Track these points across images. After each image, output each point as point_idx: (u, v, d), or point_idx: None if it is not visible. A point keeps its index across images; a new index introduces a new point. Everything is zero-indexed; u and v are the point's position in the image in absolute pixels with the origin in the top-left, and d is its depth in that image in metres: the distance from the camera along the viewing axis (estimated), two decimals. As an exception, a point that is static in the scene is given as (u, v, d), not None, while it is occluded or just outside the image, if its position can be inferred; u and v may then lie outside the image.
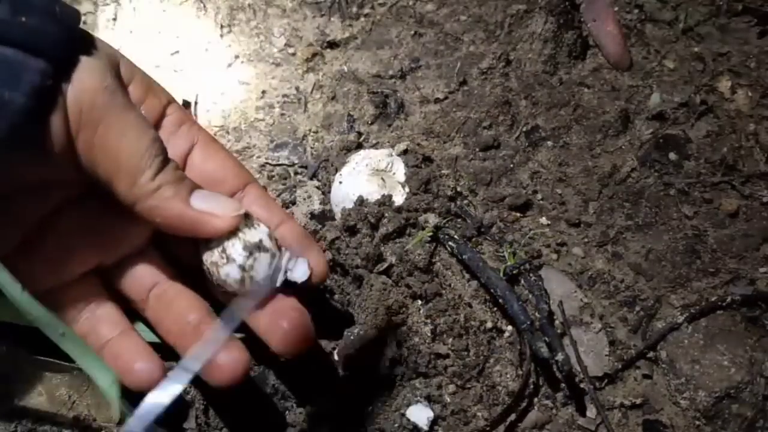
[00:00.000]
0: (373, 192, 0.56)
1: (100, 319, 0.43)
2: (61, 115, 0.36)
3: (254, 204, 0.45)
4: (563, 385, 0.53)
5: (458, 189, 0.60)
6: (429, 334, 0.54)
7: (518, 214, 0.61)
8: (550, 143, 0.65)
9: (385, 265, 0.54)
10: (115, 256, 0.44)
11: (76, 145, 0.37)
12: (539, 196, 0.62)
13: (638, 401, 0.53)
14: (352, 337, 0.52)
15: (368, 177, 0.57)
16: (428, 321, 0.54)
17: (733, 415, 0.52)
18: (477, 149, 0.65)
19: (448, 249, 0.56)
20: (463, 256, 0.55)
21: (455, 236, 0.56)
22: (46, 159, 0.36)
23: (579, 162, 0.64)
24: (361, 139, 0.65)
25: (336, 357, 0.52)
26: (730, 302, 0.56)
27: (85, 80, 0.37)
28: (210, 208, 0.39)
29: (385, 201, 0.56)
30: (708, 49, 0.70)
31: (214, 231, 0.40)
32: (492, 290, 0.53)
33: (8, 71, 0.33)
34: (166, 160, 0.39)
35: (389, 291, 0.54)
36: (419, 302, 0.55)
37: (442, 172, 0.61)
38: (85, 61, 0.37)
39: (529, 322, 0.51)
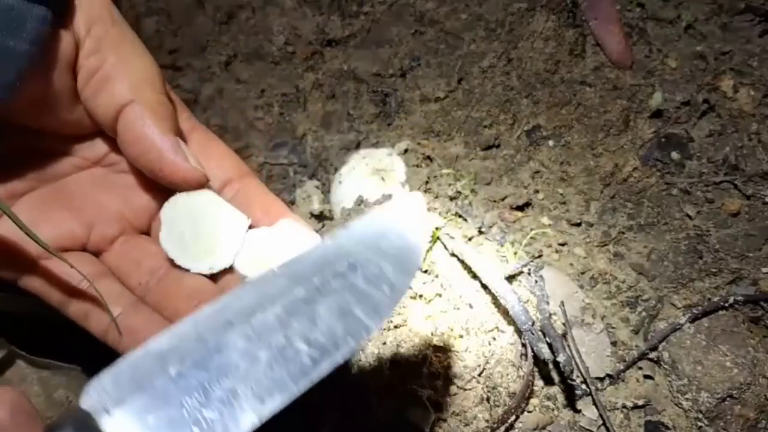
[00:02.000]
0: (372, 191, 0.56)
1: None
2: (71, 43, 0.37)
3: (253, 194, 0.43)
4: (564, 386, 0.53)
5: (459, 188, 0.60)
6: (429, 335, 0.53)
7: (519, 214, 0.60)
8: (551, 142, 0.65)
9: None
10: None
11: (81, 70, 0.38)
12: (540, 195, 0.62)
13: (640, 402, 0.53)
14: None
15: (368, 176, 0.57)
16: (429, 321, 0.54)
17: (736, 416, 0.52)
18: (478, 148, 0.64)
19: (449, 249, 0.56)
20: (464, 257, 0.54)
21: (456, 236, 0.56)
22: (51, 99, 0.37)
23: (580, 161, 0.64)
24: (361, 138, 0.65)
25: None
26: (733, 302, 0.56)
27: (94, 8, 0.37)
28: (187, 156, 0.39)
29: (385, 200, 0.56)
30: (710, 48, 0.69)
31: (181, 177, 0.38)
32: (493, 291, 0.53)
33: (11, 20, 0.33)
34: (168, 96, 0.40)
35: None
36: (420, 302, 0.55)
37: (443, 171, 0.60)
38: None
39: (530, 323, 0.51)
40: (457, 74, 0.70)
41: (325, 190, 0.61)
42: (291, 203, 0.61)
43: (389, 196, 0.56)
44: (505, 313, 0.55)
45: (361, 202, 0.56)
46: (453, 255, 0.56)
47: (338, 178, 0.58)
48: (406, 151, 0.60)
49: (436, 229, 0.55)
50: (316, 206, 0.60)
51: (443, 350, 0.53)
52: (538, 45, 0.69)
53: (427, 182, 0.58)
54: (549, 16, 0.69)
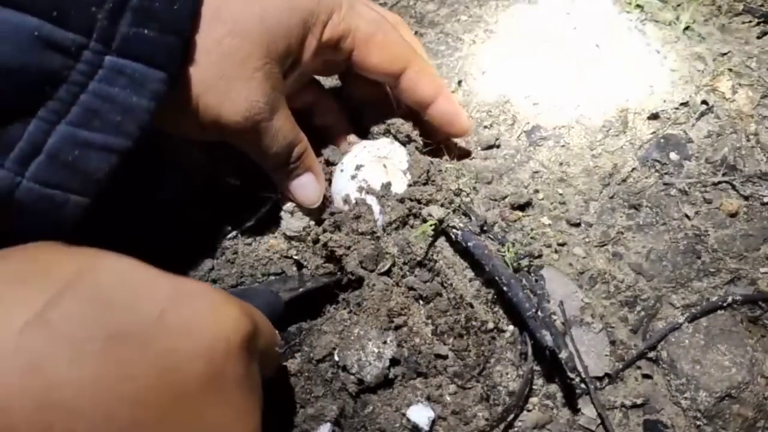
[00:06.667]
0: (375, 179, 0.56)
1: None
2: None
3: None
4: (564, 385, 0.53)
5: (461, 186, 0.60)
6: (429, 335, 0.54)
7: (519, 214, 0.61)
8: (550, 143, 0.65)
9: (388, 264, 0.54)
10: None
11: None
12: (540, 195, 0.62)
13: (639, 401, 0.53)
14: (352, 337, 0.52)
15: (370, 164, 0.56)
16: (429, 321, 0.54)
17: (734, 415, 0.52)
18: (478, 148, 0.65)
19: (453, 236, 0.55)
20: (469, 244, 0.54)
21: (459, 224, 0.55)
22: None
23: (580, 162, 0.64)
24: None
25: (336, 357, 0.52)
26: (731, 302, 0.56)
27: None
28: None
29: (387, 190, 0.55)
30: (709, 49, 0.70)
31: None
32: (497, 278, 0.52)
33: (134, 81, 0.39)
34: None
35: (391, 291, 0.54)
36: (420, 302, 0.55)
37: (446, 165, 0.60)
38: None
39: (534, 310, 0.51)
40: (458, 75, 0.70)
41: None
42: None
43: (391, 184, 0.56)
44: (506, 310, 0.55)
45: (362, 189, 0.55)
46: (457, 242, 0.55)
47: (340, 167, 0.58)
48: (408, 139, 0.59)
49: (440, 222, 0.55)
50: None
51: (443, 349, 0.53)
52: (537, 46, 0.70)
53: (428, 171, 0.57)
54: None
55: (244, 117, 0.47)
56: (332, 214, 0.56)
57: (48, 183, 0.38)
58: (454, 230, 0.55)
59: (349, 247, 0.54)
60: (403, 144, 0.59)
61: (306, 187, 0.55)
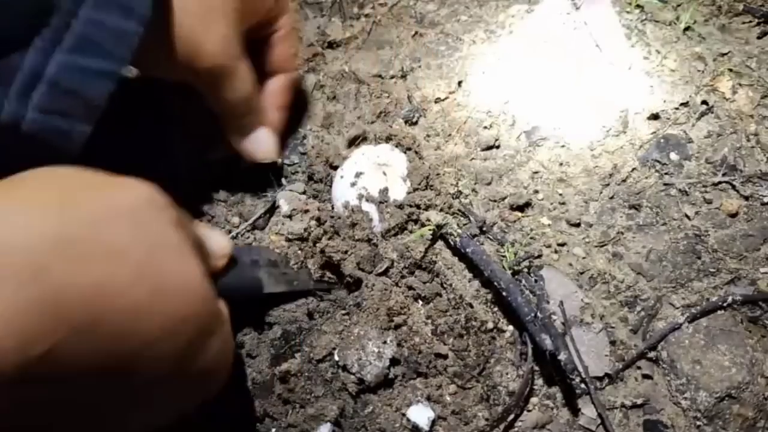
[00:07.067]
0: (374, 186, 0.56)
1: None
2: None
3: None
4: (564, 385, 0.53)
5: (460, 188, 0.60)
6: (429, 334, 0.54)
7: (519, 214, 0.61)
8: (550, 143, 0.65)
9: (385, 264, 0.54)
10: None
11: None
12: (540, 195, 0.62)
13: (639, 401, 0.53)
14: (352, 337, 0.52)
15: (370, 170, 0.57)
16: (429, 321, 0.54)
17: (734, 415, 0.52)
18: (478, 149, 0.65)
19: (452, 243, 0.56)
20: (467, 250, 0.54)
21: (459, 230, 0.55)
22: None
23: (579, 162, 0.64)
24: (360, 140, 0.65)
25: (336, 357, 0.52)
26: (731, 302, 0.56)
27: None
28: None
29: (386, 196, 0.55)
30: (709, 50, 0.70)
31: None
32: (495, 283, 0.53)
33: (121, 6, 0.40)
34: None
35: (390, 291, 0.54)
36: (420, 302, 0.55)
37: (445, 169, 0.61)
38: None
39: (533, 314, 0.51)
40: (458, 75, 0.70)
41: (321, 190, 0.61)
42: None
43: (390, 190, 0.56)
44: (505, 311, 0.55)
45: (362, 196, 0.55)
46: (456, 248, 0.55)
47: (340, 173, 0.58)
48: (409, 148, 0.60)
49: (438, 227, 0.55)
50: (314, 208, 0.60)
51: (443, 349, 0.53)
52: (537, 46, 0.70)
53: (428, 177, 0.57)
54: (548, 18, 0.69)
55: (221, 52, 0.49)
56: (331, 218, 0.56)
57: (51, 110, 0.40)
58: (452, 237, 0.55)
59: (346, 252, 0.54)
60: (404, 151, 0.59)
61: (262, 141, 0.58)
